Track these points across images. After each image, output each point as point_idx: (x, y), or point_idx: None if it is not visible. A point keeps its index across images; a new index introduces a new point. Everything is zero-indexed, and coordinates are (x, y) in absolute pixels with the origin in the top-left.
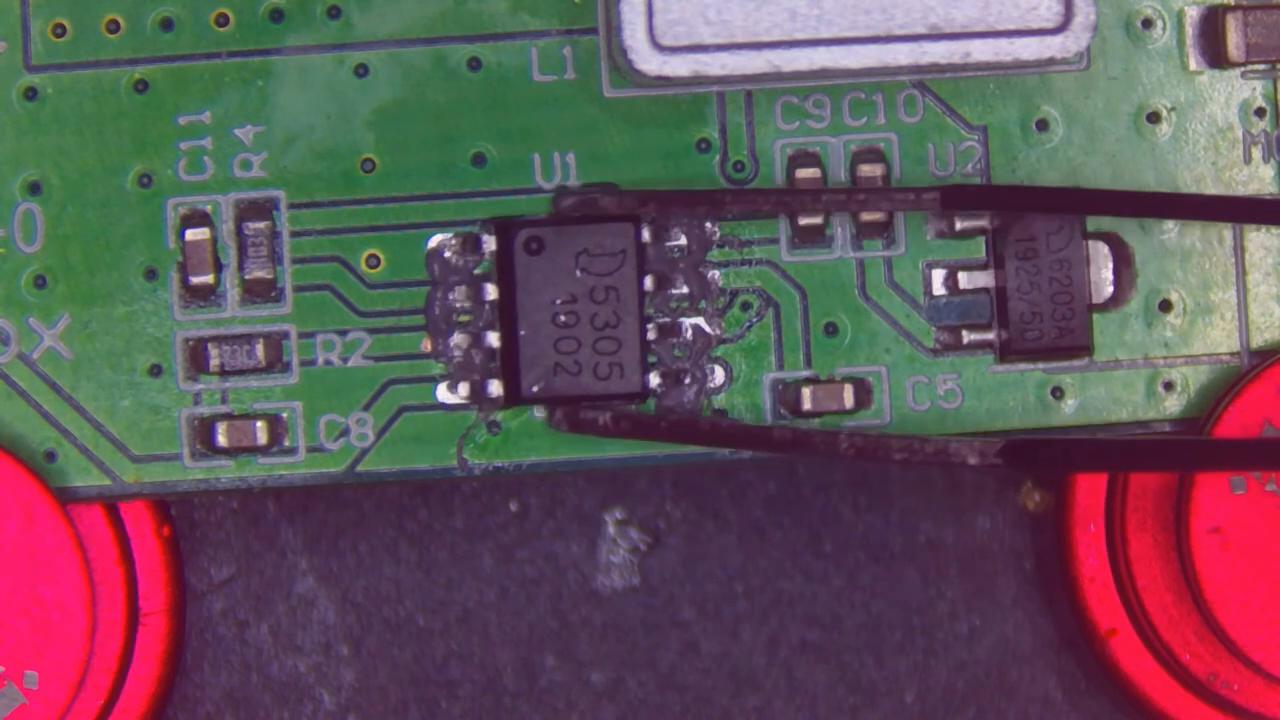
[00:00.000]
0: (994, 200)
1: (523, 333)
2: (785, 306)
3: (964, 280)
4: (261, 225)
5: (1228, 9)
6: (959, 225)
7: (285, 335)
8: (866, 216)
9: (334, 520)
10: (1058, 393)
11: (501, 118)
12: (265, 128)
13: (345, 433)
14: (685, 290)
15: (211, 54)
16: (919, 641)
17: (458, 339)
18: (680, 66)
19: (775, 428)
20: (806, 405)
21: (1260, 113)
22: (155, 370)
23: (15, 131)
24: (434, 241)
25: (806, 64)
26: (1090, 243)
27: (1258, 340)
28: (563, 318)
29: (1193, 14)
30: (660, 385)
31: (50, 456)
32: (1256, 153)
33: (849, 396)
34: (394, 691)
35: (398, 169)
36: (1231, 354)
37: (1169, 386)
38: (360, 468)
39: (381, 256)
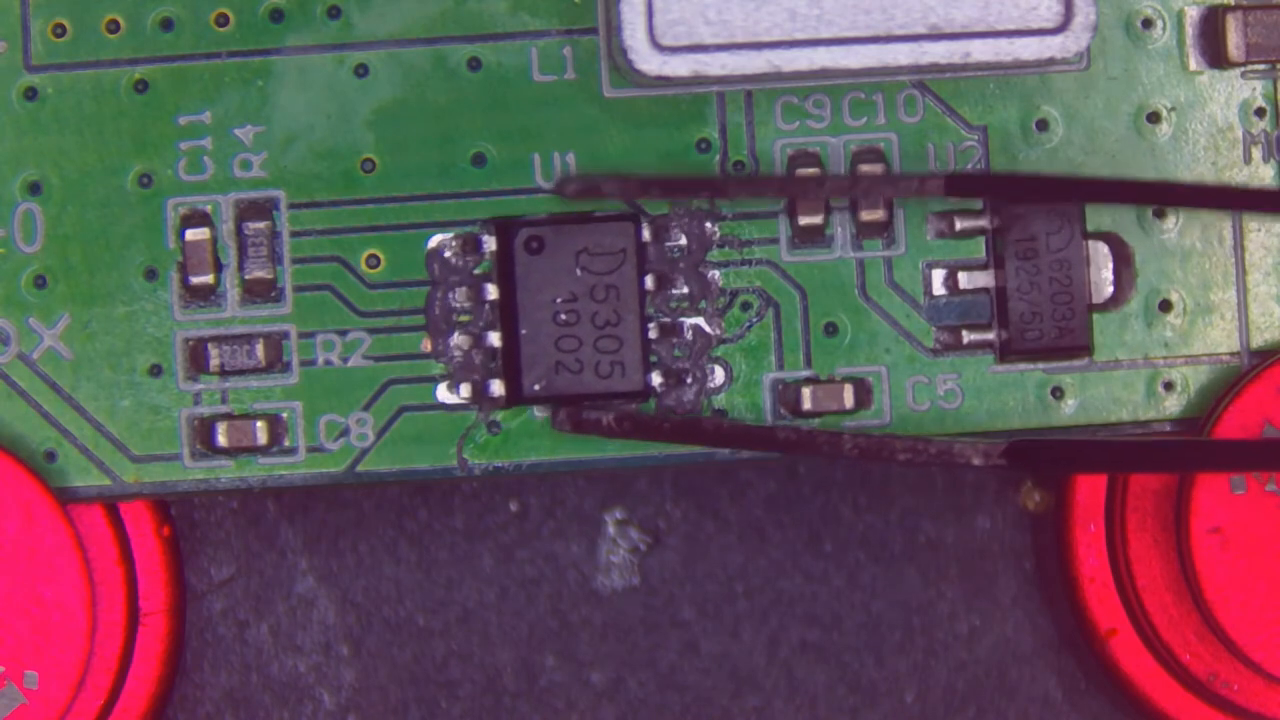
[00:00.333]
0: (997, 187)
1: (524, 332)
2: (785, 306)
3: (964, 280)
4: (261, 225)
5: (1228, 9)
6: (959, 225)
7: (285, 335)
8: (866, 216)
9: (334, 520)
10: (1058, 393)
11: (501, 118)
12: (265, 128)
13: (345, 433)
14: (685, 290)
15: (211, 54)
16: (919, 641)
17: (458, 339)
18: (680, 66)
19: (779, 428)
20: (806, 405)
21: (1260, 113)
22: (155, 370)
23: (15, 131)
24: (434, 241)
25: (806, 64)
26: (1090, 243)
27: (1258, 340)
28: (563, 317)
29: (1193, 14)
30: (661, 385)
31: (50, 456)
32: (1256, 153)
33: (849, 396)
34: (394, 691)
35: (398, 169)
36: (1231, 354)
37: (1169, 386)
38: (360, 468)
39: (381, 256)
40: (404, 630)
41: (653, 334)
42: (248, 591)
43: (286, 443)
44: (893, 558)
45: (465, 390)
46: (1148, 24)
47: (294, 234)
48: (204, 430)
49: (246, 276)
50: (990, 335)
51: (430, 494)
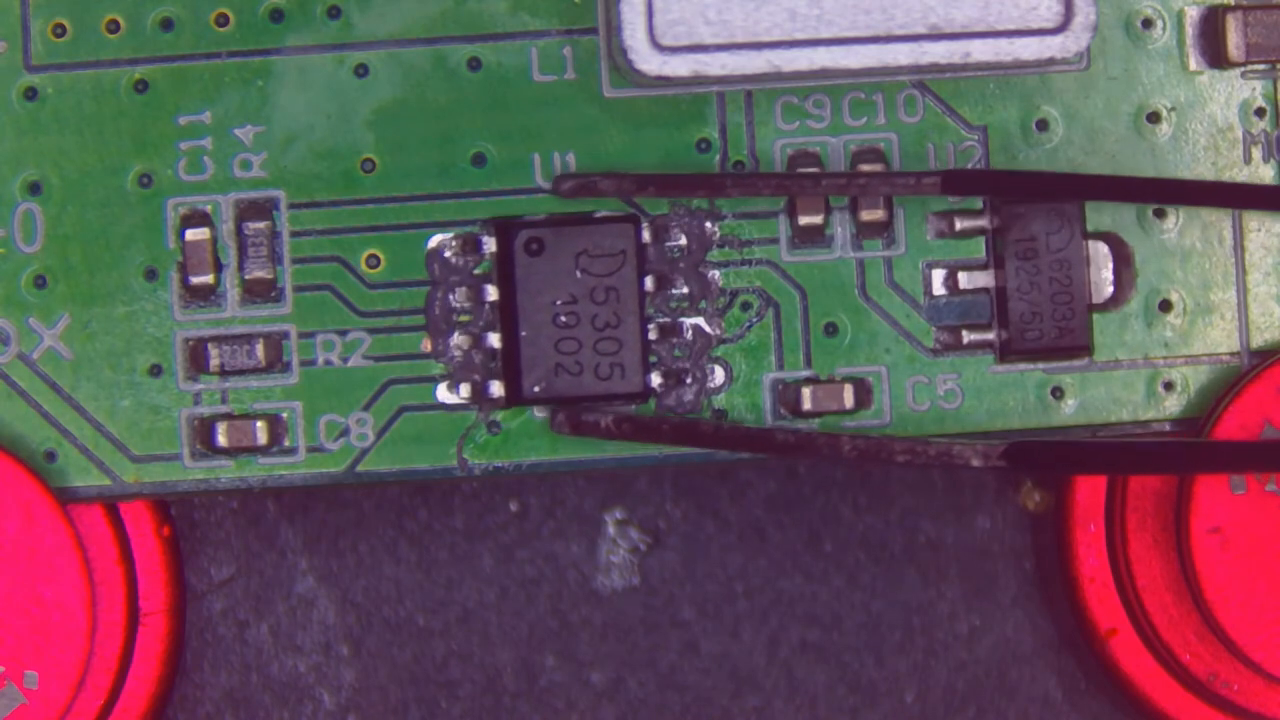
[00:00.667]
0: (993, 184)
1: (524, 333)
2: (785, 306)
3: (964, 280)
4: (261, 225)
5: (1228, 9)
6: (959, 225)
7: (285, 335)
8: (866, 216)
9: (334, 520)
10: (1058, 393)
11: (501, 118)
12: (265, 128)
13: (345, 433)
14: (685, 290)
15: (211, 54)
16: (919, 641)
17: (458, 339)
18: (680, 66)
19: (778, 429)
20: (806, 405)
21: (1260, 113)
22: (155, 370)
23: (15, 131)
24: (434, 241)
25: (806, 64)
26: (1090, 243)
27: (1258, 340)
28: (563, 318)
29: (1193, 14)
30: (661, 385)
31: (50, 456)
32: (1256, 153)
33: (849, 396)
34: (394, 691)
35: (398, 169)
36: (1231, 354)
37: (1169, 386)
38: (360, 468)
39: (381, 256)
40: (404, 630)
41: (652, 335)
42: (248, 591)
43: (286, 443)
44: (893, 558)
45: (465, 390)
46: (1148, 24)
47: (294, 234)
48: (204, 430)
49: (246, 276)
50: (990, 335)
51: (430, 494)
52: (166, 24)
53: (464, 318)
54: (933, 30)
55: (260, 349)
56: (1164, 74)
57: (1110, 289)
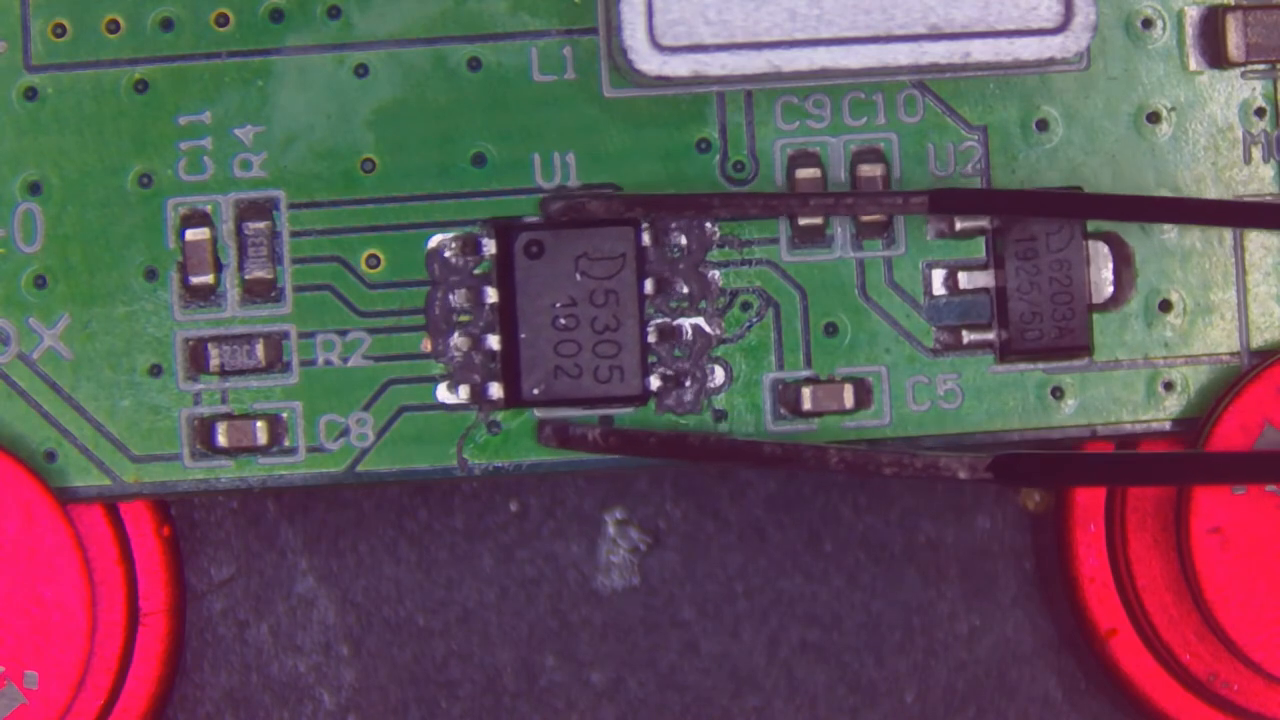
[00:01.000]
0: (981, 204)
1: (523, 336)
2: (785, 306)
3: (964, 280)
4: (261, 225)
5: (1228, 9)
6: (959, 225)
7: (285, 335)
8: (866, 216)
9: (334, 520)
10: (1058, 393)
11: (501, 118)
12: (265, 128)
13: (345, 433)
14: (685, 290)
15: (211, 54)
16: (919, 641)
17: (458, 339)
18: (680, 66)
19: (765, 442)
20: (806, 405)
21: (1260, 113)
22: (155, 370)
23: (15, 131)
24: (434, 242)
25: (806, 64)
26: (1090, 243)
27: (1258, 340)
28: (563, 321)
29: (1193, 14)
30: (661, 387)
31: (50, 456)
32: (1256, 153)
33: (849, 396)
34: (394, 691)
35: (398, 169)
36: (1231, 354)
37: (1169, 386)
38: (360, 468)
39: (381, 256)
40: (404, 630)
41: (652, 336)
42: (248, 591)
43: (286, 443)
44: (893, 558)
45: (465, 391)
46: (1148, 24)
47: (294, 234)
48: (204, 430)
49: (246, 276)
50: (990, 335)
51: (430, 494)
52: (166, 24)
53: (464, 318)
54: (933, 30)
55: (260, 349)
56: (1164, 74)
57: (1110, 289)
